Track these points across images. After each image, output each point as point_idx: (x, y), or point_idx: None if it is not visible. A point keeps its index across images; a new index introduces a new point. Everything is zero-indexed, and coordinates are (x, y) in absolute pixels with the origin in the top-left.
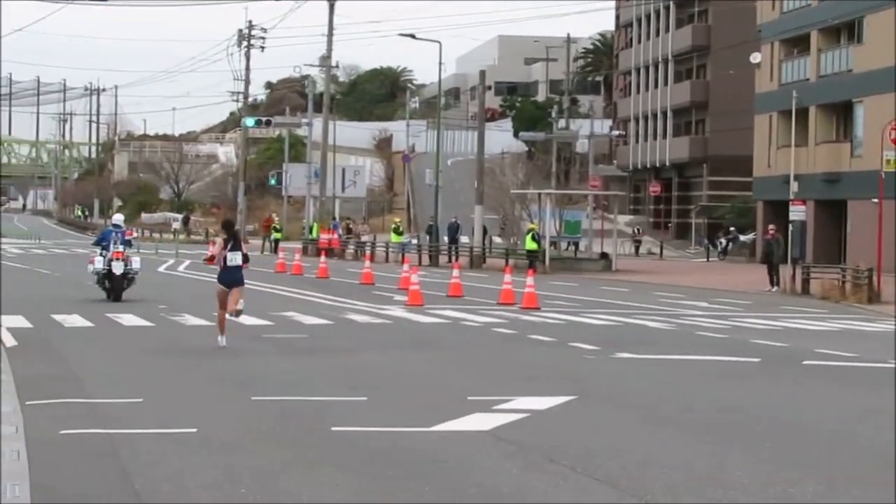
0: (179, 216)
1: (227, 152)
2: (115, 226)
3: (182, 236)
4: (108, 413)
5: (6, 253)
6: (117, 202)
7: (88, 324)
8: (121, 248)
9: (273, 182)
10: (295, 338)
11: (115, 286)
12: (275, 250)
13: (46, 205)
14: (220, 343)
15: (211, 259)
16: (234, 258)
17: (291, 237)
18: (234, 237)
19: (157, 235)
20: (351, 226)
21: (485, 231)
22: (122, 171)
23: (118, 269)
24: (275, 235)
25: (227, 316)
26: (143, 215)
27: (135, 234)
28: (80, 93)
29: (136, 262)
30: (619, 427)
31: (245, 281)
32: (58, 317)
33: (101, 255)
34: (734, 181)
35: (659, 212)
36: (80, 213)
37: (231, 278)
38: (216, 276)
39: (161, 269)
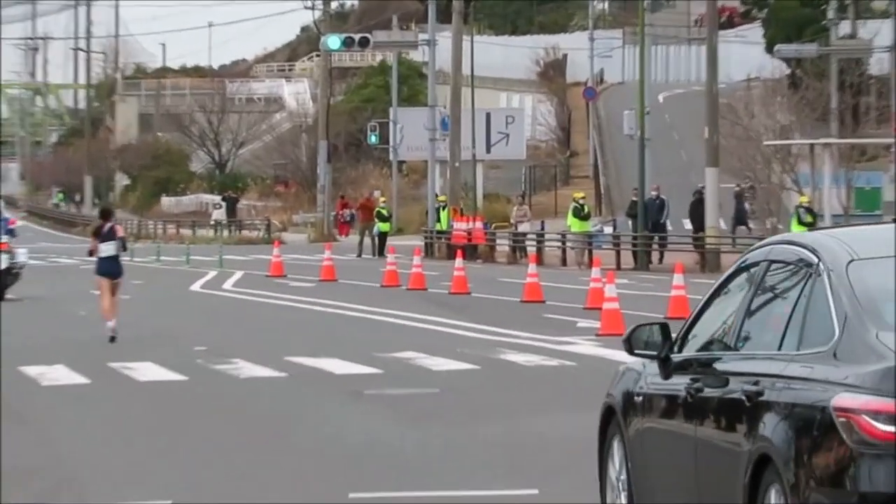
0: (221, 199)
1: (297, 94)
2: None
3: (227, 233)
4: None
5: None
6: (122, 179)
7: (81, 379)
8: (4, 238)
9: (374, 140)
10: (418, 394)
11: None
12: (380, 251)
13: (9, 187)
14: (108, 327)
15: (91, 253)
16: (107, 248)
17: (407, 229)
18: (104, 227)
19: (187, 232)
20: (461, 207)
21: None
22: (130, 129)
23: (2, 262)
24: (379, 227)
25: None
26: (165, 199)
27: (18, 223)
28: (58, 3)
29: (21, 255)
30: None
31: (123, 273)
32: (32, 370)
33: None
34: None
35: None
36: (60, 198)
37: (104, 269)
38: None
39: (196, 286)
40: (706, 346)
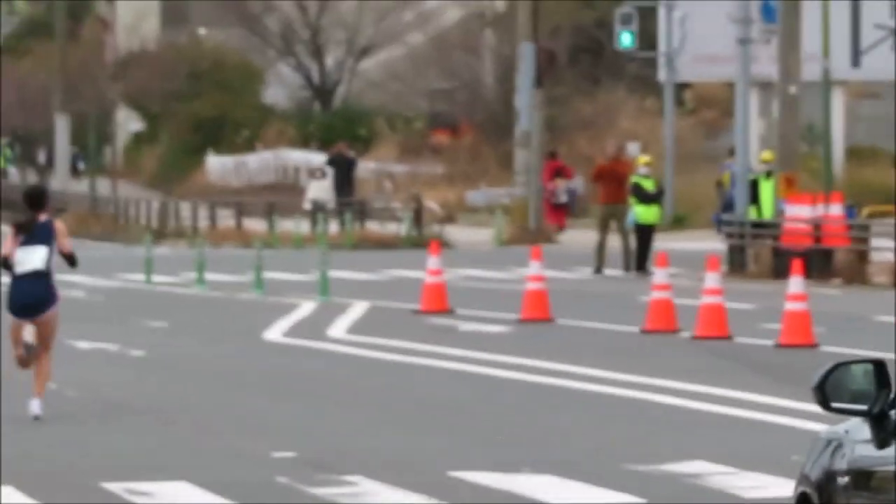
0: (326, 161)
1: None
2: None
3: (336, 226)
4: None
5: None
6: (129, 120)
7: None
8: None
9: (627, 42)
10: None
11: None
12: (640, 261)
13: None
14: (32, 412)
15: (6, 261)
16: (30, 258)
17: (694, 218)
18: (33, 223)
19: (258, 226)
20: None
21: None
22: (143, 24)
23: None
24: (637, 214)
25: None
26: (214, 161)
27: None
28: None
29: None
30: None
31: (56, 301)
32: None
33: None
34: None
35: None
36: (6, 157)
37: (27, 299)
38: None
39: (276, 331)
40: None
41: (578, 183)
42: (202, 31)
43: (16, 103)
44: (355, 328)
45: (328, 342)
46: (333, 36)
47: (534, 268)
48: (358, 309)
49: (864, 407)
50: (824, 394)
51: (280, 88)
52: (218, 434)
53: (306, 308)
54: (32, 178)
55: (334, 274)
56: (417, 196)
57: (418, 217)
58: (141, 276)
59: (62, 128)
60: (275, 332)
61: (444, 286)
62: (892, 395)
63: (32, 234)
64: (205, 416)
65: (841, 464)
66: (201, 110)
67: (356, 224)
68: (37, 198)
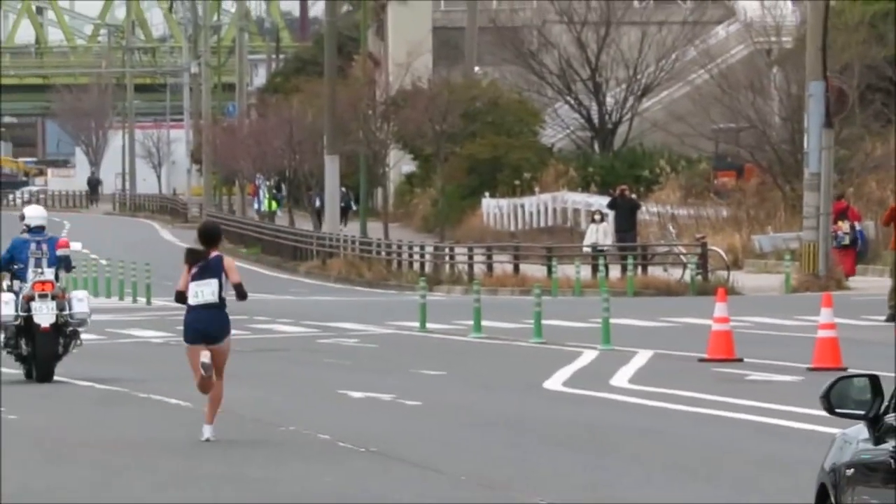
0: (608, 202)
1: None
2: (33, 229)
3: (620, 270)
4: None
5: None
6: (403, 161)
7: None
8: (48, 273)
9: None
10: None
11: (38, 352)
12: None
13: (175, 176)
14: (204, 436)
15: (181, 295)
16: (204, 291)
17: None
18: (204, 257)
19: (535, 270)
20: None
21: None
22: (415, 58)
23: (44, 316)
24: None
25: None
26: (489, 203)
27: (76, 246)
28: None
29: (79, 302)
30: None
31: (229, 335)
32: None
33: (10, 289)
34: None
35: None
36: (272, 199)
37: (202, 327)
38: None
39: (556, 380)
40: None
41: (867, 226)
42: (479, 70)
43: (281, 146)
44: (639, 377)
45: (611, 392)
46: (614, 74)
47: (825, 315)
48: (641, 357)
49: (862, 412)
50: (829, 402)
51: (558, 129)
52: (496, 486)
53: (587, 356)
54: (305, 222)
55: (616, 321)
56: (703, 240)
57: (703, 262)
58: (415, 324)
59: (332, 169)
60: (555, 381)
61: (731, 334)
62: (884, 403)
63: (205, 268)
64: (482, 467)
65: (846, 458)
66: (477, 151)
67: (638, 269)
68: (212, 235)
